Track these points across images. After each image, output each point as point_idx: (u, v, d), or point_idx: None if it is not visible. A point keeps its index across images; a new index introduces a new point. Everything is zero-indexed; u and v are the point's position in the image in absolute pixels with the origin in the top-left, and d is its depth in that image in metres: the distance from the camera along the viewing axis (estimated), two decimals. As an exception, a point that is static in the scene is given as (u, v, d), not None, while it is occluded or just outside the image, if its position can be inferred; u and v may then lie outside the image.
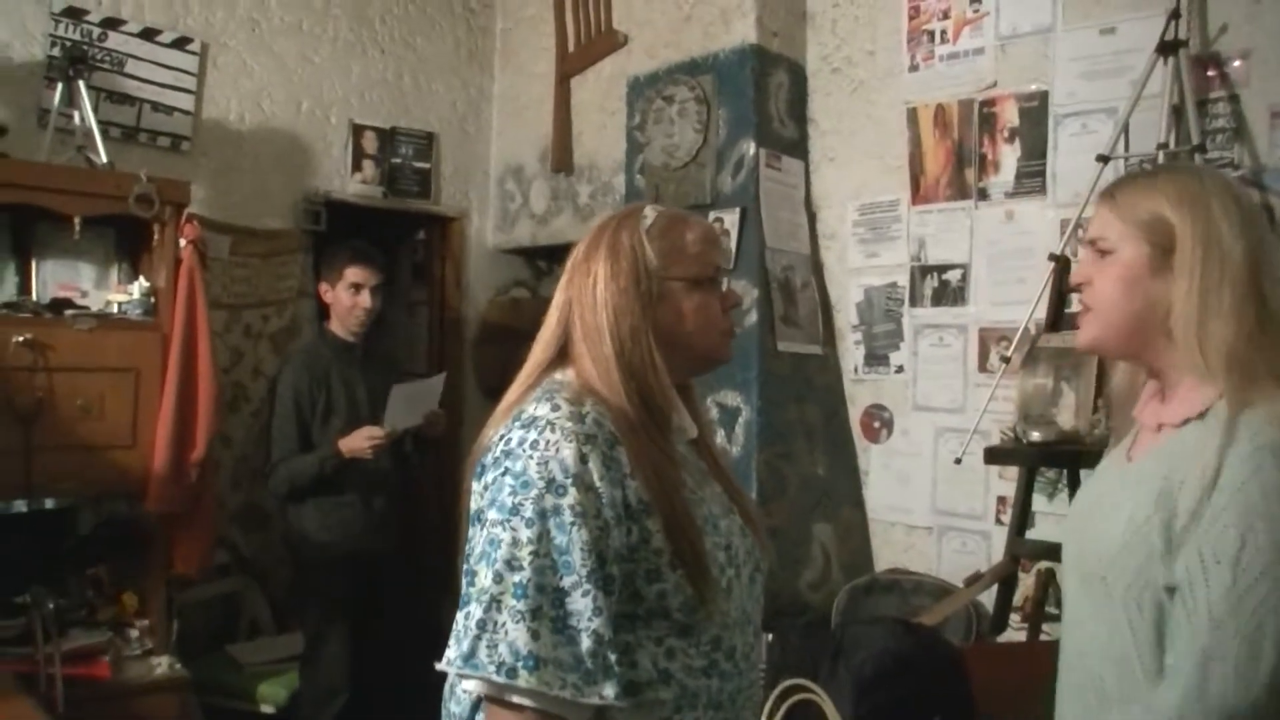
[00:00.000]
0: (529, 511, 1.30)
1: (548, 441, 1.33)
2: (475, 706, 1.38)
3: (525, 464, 1.32)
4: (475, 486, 1.40)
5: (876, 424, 3.57)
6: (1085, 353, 1.52)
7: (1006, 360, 2.99)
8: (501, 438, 1.38)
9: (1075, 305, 1.51)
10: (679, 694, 1.37)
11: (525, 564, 1.28)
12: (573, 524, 1.29)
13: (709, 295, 1.52)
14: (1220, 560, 1.25)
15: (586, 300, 1.46)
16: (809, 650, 2.96)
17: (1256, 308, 1.33)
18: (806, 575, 3.36)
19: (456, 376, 4.88)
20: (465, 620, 1.30)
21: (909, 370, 3.48)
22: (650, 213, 1.53)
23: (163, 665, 3.07)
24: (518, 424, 1.38)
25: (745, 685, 1.48)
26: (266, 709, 3.60)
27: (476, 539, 1.35)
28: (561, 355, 1.49)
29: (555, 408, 1.36)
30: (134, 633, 3.13)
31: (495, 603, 1.28)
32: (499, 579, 1.29)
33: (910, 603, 3.22)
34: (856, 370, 3.62)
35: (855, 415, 3.63)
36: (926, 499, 3.41)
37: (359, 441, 3.39)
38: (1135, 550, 1.35)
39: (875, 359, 3.57)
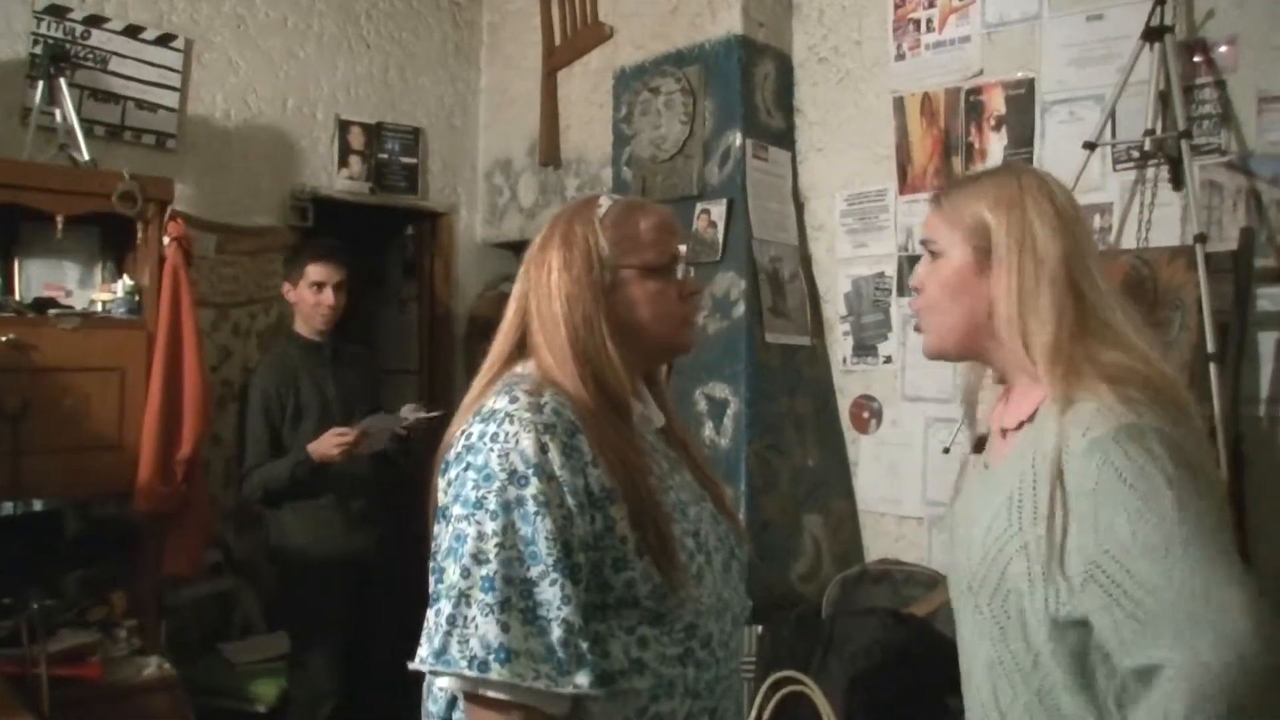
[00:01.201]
0: (492, 504, 1.30)
1: (507, 434, 1.33)
2: (451, 704, 1.39)
3: (486, 457, 1.32)
4: (440, 483, 1.40)
5: (866, 414, 3.56)
6: (931, 358, 1.55)
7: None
8: (463, 433, 1.39)
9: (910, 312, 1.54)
10: (654, 683, 1.37)
11: (491, 557, 1.28)
12: (537, 514, 1.29)
13: (665, 283, 1.51)
14: (1129, 551, 1.21)
15: (542, 290, 1.47)
16: (800, 642, 2.96)
17: (1076, 305, 1.34)
18: (797, 567, 3.35)
19: (446, 371, 4.88)
20: (435, 617, 1.30)
21: (897, 360, 3.47)
22: (605, 202, 1.53)
23: (152, 665, 3.06)
24: (477, 418, 1.38)
25: (725, 674, 1.47)
26: (259, 708, 3.59)
27: (443, 535, 1.35)
28: (522, 347, 1.50)
29: (514, 400, 1.37)
30: (123, 632, 3.11)
31: (464, 597, 1.28)
32: (466, 573, 1.29)
33: (902, 593, 3.21)
34: (845, 361, 3.61)
35: (844, 406, 3.63)
36: (917, 489, 3.41)
37: (326, 446, 3.34)
38: (995, 561, 1.34)
39: (864, 349, 3.56)
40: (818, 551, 3.42)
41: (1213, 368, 2.44)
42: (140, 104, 3.85)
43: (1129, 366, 1.31)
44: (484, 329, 4.85)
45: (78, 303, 3.21)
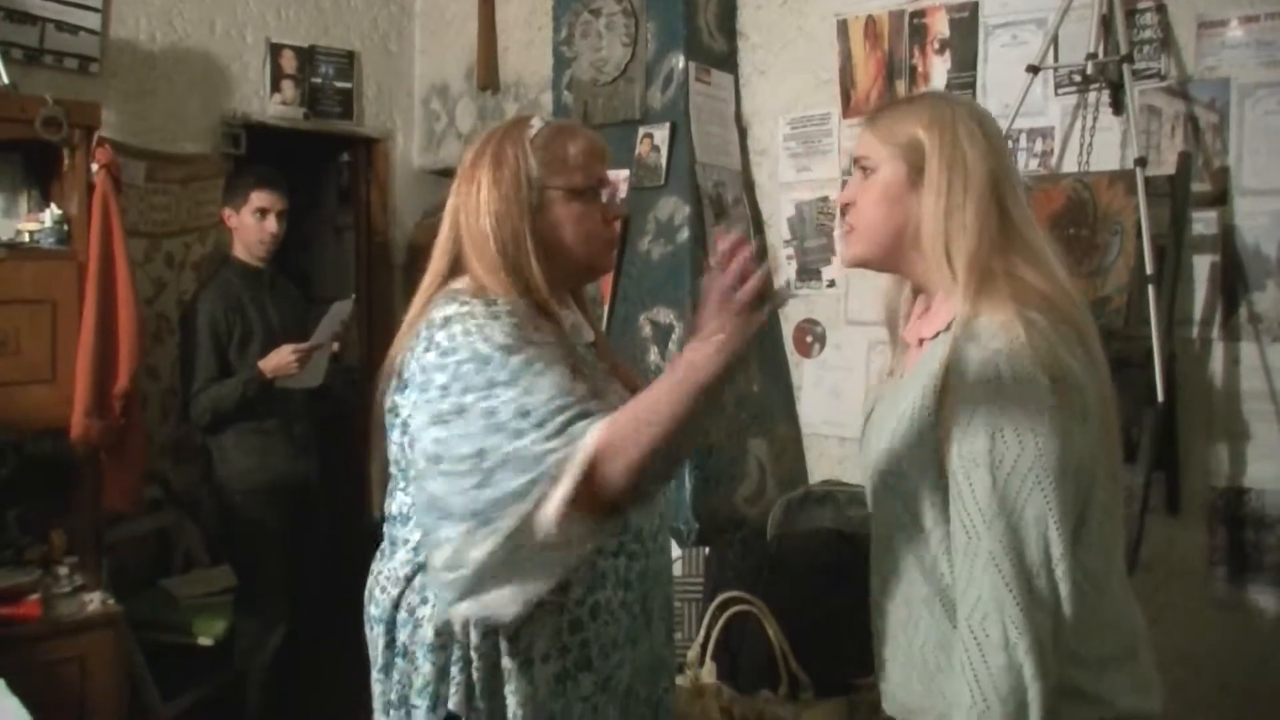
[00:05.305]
0: (504, 376, 1.35)
1: (477, 324, 1.40)
2: (395, 606, 1.46)
3: (472, 347, 1.37)
4: (400, 400, 1.45)
5: (809, 339, 3.58)
6: (851, 267, 1.66)
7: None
8: (427, 348, 1.42)
9: (840, 227, 1.62)
10: (589, 572, 1.46)
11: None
12: (542, 371, 1.38)
13: (590, 206, 1.58)
14: (978, 463, 1.33)
15: (471, 206, 1.53)
16: (746, 563, 3.01)
17: (999, 222, 1.43)
18: (742, 490, 3.39)
19: (386, 300, 4.82)
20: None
21: (841, 285, 3.49)
22: (536, 123, 1.59)
23: (95, 601, 3.02)
24: (437, 328, 1.42)
25: (655, 566, 1.57)
26: (204, 642, 3.57)
27: (449, 438, 1.35)
28: (457, 262, 1.56)
29: (463, 303, 1.44)
30: (63, 570, 3.07)
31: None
32: (519, 434, 1.33)
33: (845, 514, 3.26)
34: (789, 285, 3.62)
35: (788, 331, 3.64)
36: (859, 412, 3.44)
37: (283, 357, 3.38)
38: (901, 464, 1.44)
39: (807, 274, 3.57)
40: (762, 474, 3.46)
41: (1150, 289, 2.48)
42: (60, 25, 3.69)
43: (1037, 288, 1.39)
44: (422, 256, 4.77)
45: (2, 233, 3.11)
